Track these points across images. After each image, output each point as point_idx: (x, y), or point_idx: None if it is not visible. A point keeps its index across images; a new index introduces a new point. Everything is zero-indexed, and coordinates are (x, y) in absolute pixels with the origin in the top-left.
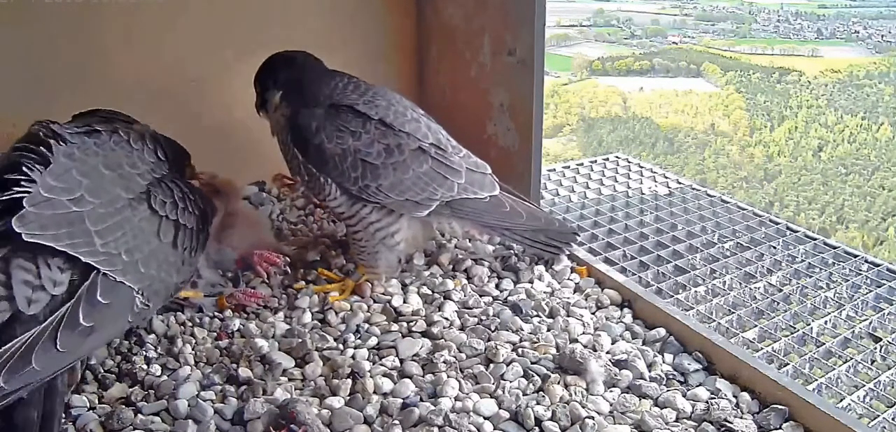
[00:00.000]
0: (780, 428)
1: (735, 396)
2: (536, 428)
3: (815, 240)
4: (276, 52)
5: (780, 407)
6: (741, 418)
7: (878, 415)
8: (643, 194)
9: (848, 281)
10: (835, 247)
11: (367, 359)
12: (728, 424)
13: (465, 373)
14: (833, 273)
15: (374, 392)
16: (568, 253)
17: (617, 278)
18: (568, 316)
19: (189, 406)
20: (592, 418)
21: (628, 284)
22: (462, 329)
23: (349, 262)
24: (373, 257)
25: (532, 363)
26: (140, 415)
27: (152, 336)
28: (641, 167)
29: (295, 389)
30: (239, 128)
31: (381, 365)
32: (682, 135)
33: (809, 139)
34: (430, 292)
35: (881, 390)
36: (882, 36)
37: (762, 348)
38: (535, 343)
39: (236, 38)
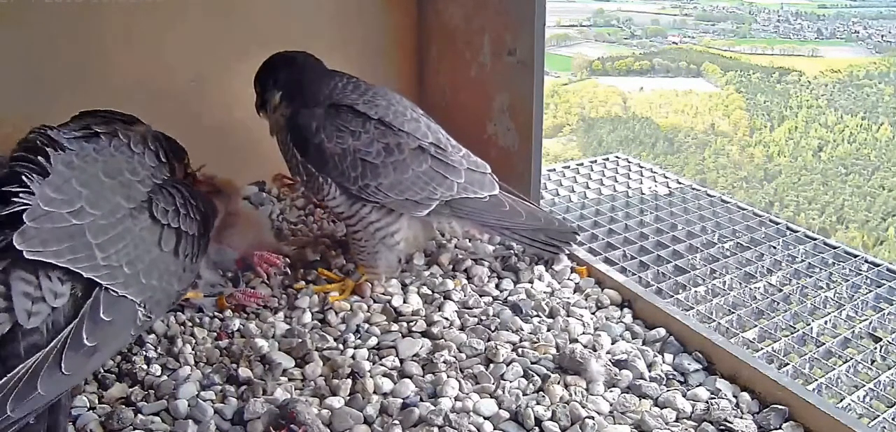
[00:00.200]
0: (780, 428)
1: (735, 396)
2: (536, 428)
3: (815, 240)
4: (276, 52)
5: (780, 407)
6: (741, 418)
7: (878, 415)
8: (643, 194)
9: (848, 281)
10: (835, 247)
11: (367, 359)
12: (728, 424)
13: (465, 373)
14: (833, 273)
15: (374, 392)
16: (568, 252)
17: (617, 278)
18: (568, 316)
19: (189, 406)
20: (592, 418)
21: (628, 284)
22: (462, 329)
23: (349, 262)
24: (373, 257)
25: (532, 363)
26: (140, 415)
27: (152, 336)
28: (641, 167)
29: (295, 389)
30: (239, 128)
31: (381, 365)
32: (682, 135)
33: (809, 139)
34: (430, 292)
35: (881, 390)
36: (882, 36)
37: (762, 348)
38: (535, 343)
39: (236, 38)
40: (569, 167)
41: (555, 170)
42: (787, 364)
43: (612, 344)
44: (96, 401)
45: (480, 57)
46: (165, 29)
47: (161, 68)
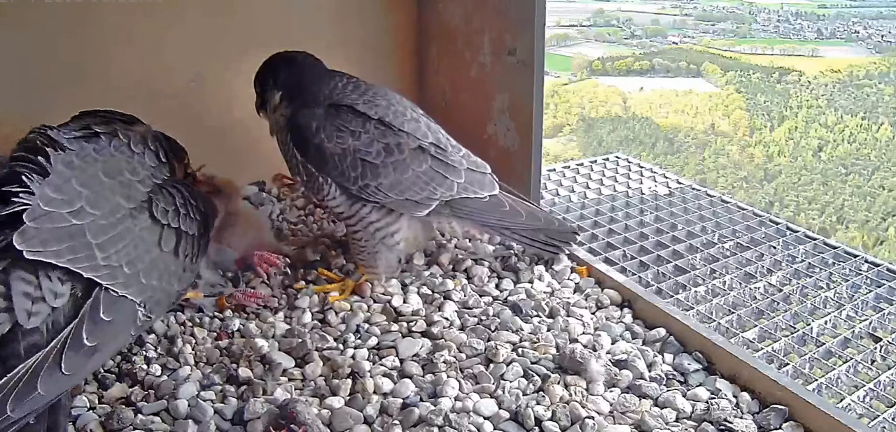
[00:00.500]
0: (780, 428)
1: (735, 396)
2: (536, 428)
3: (815, 240)
4: (276, 52)
5: (780, 407)
6: (741, 418)
7: (878, 415)
8: (643, 194)
9: (848, 281)
10: (835, 247)
11: (367, 359)
12: (728, 424)
13: (465, 373)
14: (833, 273)
15: (374, 392)
16: (568, 252)
17: (617, 278)
18: (568, 316)
19: (189, 406)
20: (592, 418)
21: (628, 284)
22: (462, 329)
23: (349, 262)
24: (373, 257)
25: (532, 363)
26: (140, 415)
27: (152, 336)
28: (641, 167)
29: (295, 389)
30: (239, 128)
31: (381, 365)
32: (682, 135)
33: (809, 139)
34: (430, 292)
35: (881, 390)
36: (882, 36)
37: (762, 348)
38: (535, 343)
39: (236, 38)
40: (569, 167)
41: (555, 170)
42: (787, 364)
43: (612, 344)
44: (96, 401)
45: (480, 57)
46: (165, 29)
47: (161, 68)
